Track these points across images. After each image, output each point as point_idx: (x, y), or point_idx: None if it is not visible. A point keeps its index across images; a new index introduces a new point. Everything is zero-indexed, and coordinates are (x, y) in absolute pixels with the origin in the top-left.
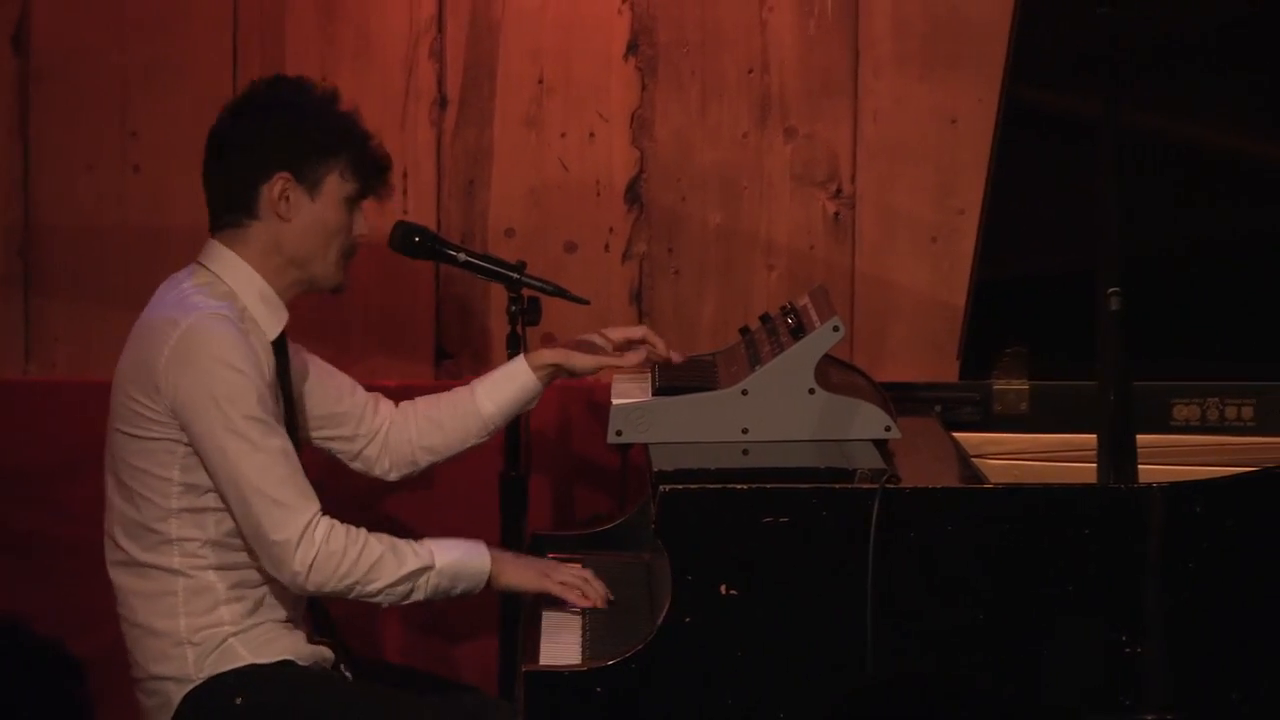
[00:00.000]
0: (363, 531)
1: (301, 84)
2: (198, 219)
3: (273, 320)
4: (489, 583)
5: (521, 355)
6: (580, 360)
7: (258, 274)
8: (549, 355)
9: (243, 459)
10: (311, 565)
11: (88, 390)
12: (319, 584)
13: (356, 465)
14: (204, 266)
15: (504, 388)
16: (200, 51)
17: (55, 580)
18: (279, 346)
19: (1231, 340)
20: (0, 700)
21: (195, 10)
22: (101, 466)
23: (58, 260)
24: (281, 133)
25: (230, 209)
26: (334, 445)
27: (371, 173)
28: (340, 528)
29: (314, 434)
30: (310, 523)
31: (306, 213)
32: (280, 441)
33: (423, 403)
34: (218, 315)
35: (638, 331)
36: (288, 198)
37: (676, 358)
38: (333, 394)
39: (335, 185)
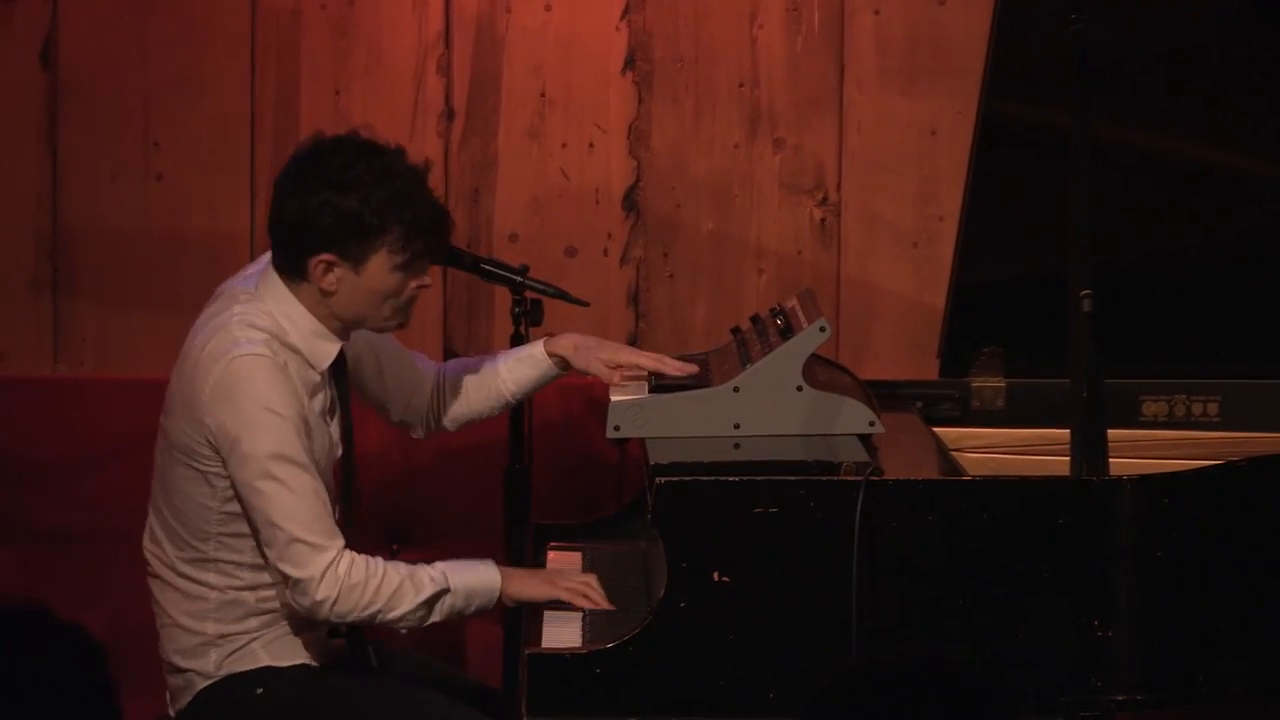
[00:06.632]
0: (380, 561)
1: (357, 153)
2: (215, 225)
3: (322, 353)
4: (500, 597)
5: (543, 340)
6: (583, 362)
7: (309, 313)
8: (560, 347)
9: (274, 499)
10: (336, 599)
11: (113, 387)
12: (343, 615)
13: (394, 425)
14: (259, 296)
15: (524, 371)
16: (219, 67)
17: (81, 568)
18: (338, 368)
19: (1198, 340)
20: (30, 682)
21: (215, 28)
22: (127, 460)
23: (85, 264)
24: (325, 216)
25: (284, 266)
26: (382, 413)
27: (424, 239)
28: (360, 560)
29: (368, 404)
30: (334, 560)
31: (350, 285)
32: (311, 480)
33: (452, 370)
34: (257, 356)
35: (647, 362)
36: (333, 273)
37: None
38: (405, 377)
39: (383, 260)
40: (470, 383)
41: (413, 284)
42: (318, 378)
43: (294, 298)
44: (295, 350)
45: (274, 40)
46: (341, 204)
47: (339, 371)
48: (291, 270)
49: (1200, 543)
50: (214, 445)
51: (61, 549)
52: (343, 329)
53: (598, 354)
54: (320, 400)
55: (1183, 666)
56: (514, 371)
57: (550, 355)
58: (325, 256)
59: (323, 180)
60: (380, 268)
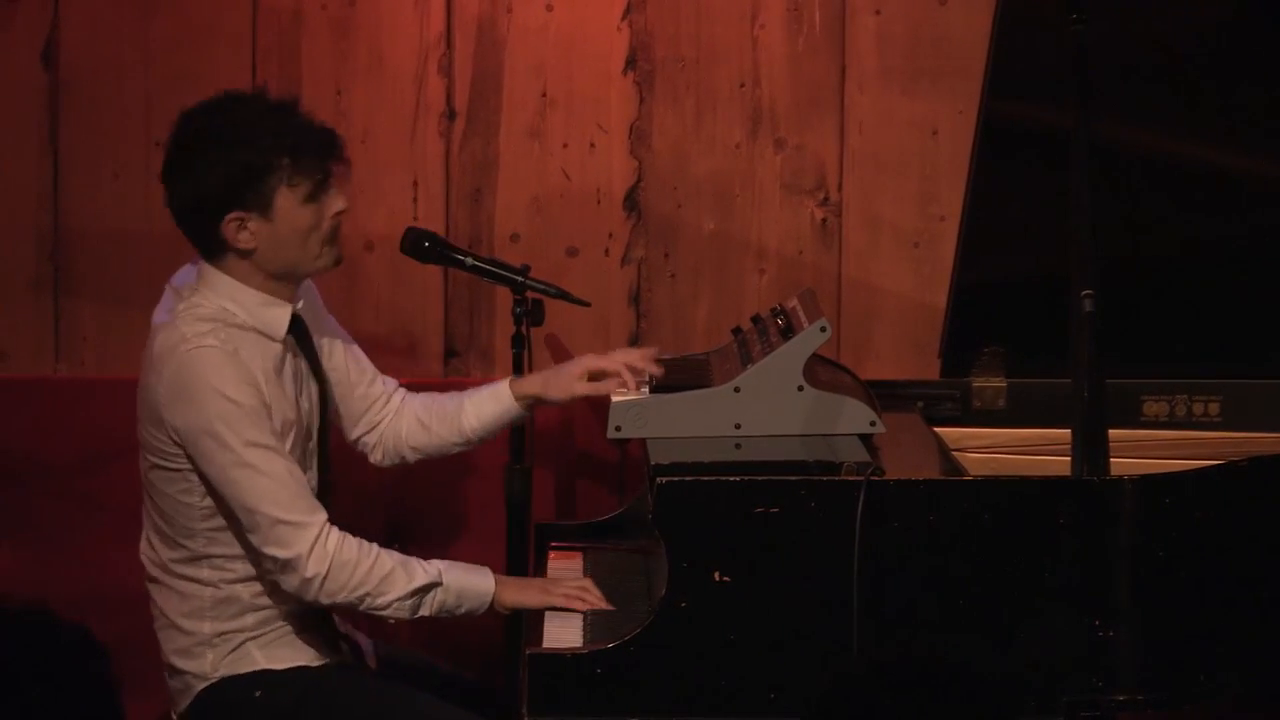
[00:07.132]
0: (374, 545)
1: (217, 111)
2: None
3: (275, 320)
4: (493, 604)
5: (508, 380)
6: (556, 393)
7: (249, 288)
8: (528, 386)
9: (249, 486)
10: (326, 575)
11: (114, 387)
12: (332, 593)
13: (357, 447)
14: (199, 288)
15: (488, 408)
16: (220, 67)
17: (83, 567)
18: (297, 330)
19: (1199, 340)
20: (31, 681)
21: (216, 28)
22: (127, 459)
23: (86, 264)
24: (214, 178)
25: (202, 248)
26: (339, 424)
27: (318, 159)
28: (351, 539)
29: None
30: (320, 535)
31: (269, 234)
32: (283, 461)
33: (420, 402)
34: (206, 349)
35: (635, 355)
36: (246, 229)
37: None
38: (352, 381)
39: (287, 195)
40: (433, 412)
41: (329, 213)
42: (279, 348)
43: (229, 278)
44: (248, 329)
45: (275, 41)
46: (224, 158)
47: (301, 338)
48: (213, 247)
49: (1201, 543)
50: (179, 443)
51: (61, 549)
52: (284, 288)
53: (571, 373)
54: (289, 371)
55: (1183, 666)
56: (477, 405)
57: (518, 397)
58: (233, 215)
59: (196, 149)
60: (288, 206)
